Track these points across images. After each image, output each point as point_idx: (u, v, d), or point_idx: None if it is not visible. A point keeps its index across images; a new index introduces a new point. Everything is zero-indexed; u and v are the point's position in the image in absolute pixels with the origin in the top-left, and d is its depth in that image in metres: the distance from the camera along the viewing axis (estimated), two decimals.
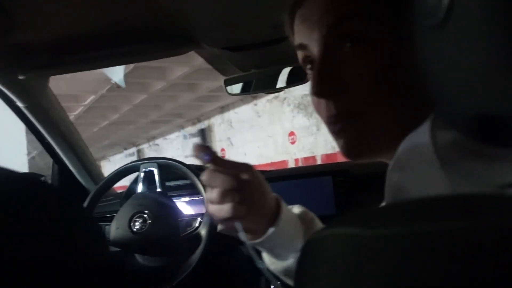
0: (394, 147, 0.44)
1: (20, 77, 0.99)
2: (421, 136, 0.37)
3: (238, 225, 0.58)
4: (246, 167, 0.61)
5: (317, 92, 0.48)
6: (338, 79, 0.47)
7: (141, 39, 0.94)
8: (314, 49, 0.49)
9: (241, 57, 1.10)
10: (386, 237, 0.22)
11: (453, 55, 0.26)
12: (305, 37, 0.50)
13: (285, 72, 1.20)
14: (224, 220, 0.58)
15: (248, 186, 0.59)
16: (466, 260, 0.19)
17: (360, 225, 0.24)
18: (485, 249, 0.19)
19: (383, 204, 0.64)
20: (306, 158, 6.60)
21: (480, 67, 0.24)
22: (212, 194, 0.57)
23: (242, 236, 0.58)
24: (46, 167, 1.54)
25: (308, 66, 0.53)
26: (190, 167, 1.23)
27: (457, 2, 0.25)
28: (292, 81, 1.20)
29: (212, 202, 0.58)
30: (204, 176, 0.58)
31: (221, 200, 0.57)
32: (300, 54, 0.53)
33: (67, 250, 0.41)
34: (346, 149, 0.50)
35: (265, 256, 0.68)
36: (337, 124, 0.49)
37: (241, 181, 0.58)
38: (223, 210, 0.57)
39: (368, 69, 0.46)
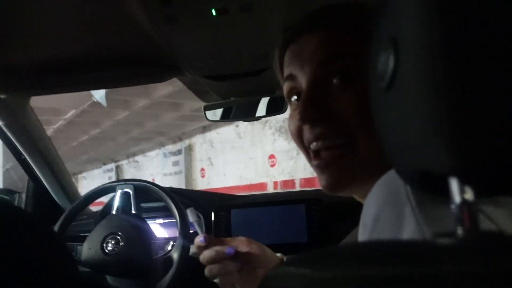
0: (371, 183, 0.48)
1: (1, 96, 1.00)
2: (395, 178, 0.39)
3: None
4: (242, 242, 0.77)
5: (303, 117, 0.51)
6: (325, 107, 0.51)
7: (124, 65, 0.97)
8: (303, 80, 0.53)
9: (222, 86, 1.14)
10: (332, 279, 0.24)
11: (397, 116, 0.30)
12: (296, 69, 0.54)
13: (264, 101, 1.24)
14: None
15: (249, 256, 0.75)
16: None
17: (311, 265, 0.26)
18: None
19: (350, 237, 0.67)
20: (285, 181, 6.61)
21: (416, 130, 0.28)
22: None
23: None
24: (20, 180, 1.53)
25: (294, 98, 0.57)
26: (165, 190, 1.24)
27: (400, 69, 0.29)
28: (271, 110, 1.24)
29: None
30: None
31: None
32: (287, 85, 0.57)
33: (34, 275, 0.42)
34: (330, 183, 0.52)
35: None
36: (322, 159, 0.52)
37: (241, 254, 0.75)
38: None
39: (353, 103, 0.50)
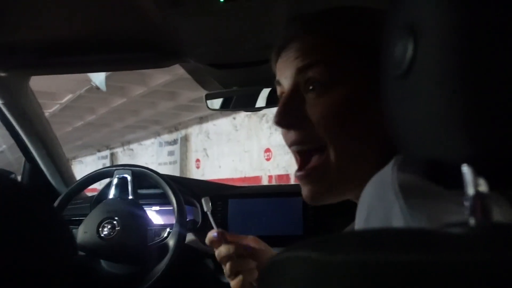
0: (358, 187, 0.48)
1: (1, 74, 0.99)
2: (384, 177, 0.40)
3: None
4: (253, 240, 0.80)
5: (278, 121, 0.55)
6: (299, 113, 0.53)
7: (127, 49, 0.96)
8: (285, 85, 0.56)
9: (224, 74, 1.13)
10: (341, 263, 0.24)
11: (413, 104, 0.29)
12: (281, 75, 0.57)
13: (265, 92, 1.24)
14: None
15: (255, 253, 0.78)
16: None
17: (320, 249, 0.25)
18: (429, 282, 0.21)
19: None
20: (280, 176, 6.61)
21: (433, 118, 0.28)
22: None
23: None
24: (15, 162, 1.52)
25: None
26: (163, 177, 1.24)
27: (419, 56, 0.28)
28: (271, 102, 1.23)
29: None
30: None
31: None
32: (278, 90, 0.60)
33: (34, 251, 0.42)
34: (308, 195, 0.55)
35: None
36: (301, 171, 0.55)
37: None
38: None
39: (324, 111, 0.52)
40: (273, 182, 6.65)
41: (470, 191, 0.27)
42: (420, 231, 0.28)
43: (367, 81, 0.50)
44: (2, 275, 0.38)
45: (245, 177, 7.21)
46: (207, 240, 0.80)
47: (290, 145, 0.56)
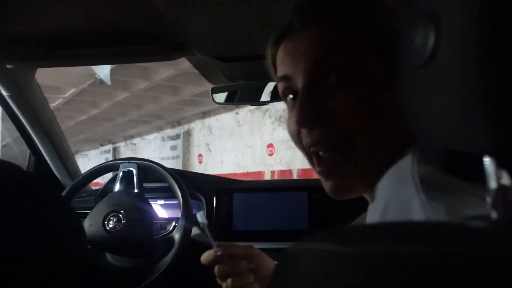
0: (370, 179, 0.46)
1: (8, 66, 0.99)
2: (403, 169, 0.39)
3: None
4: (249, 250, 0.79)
5: (301, 120, 0.48)
6: (322, 108, 0.48)
7: (134, 41, 0.96)
8: (299, 80, 0.50)
9: (230, 68, 1.13)
10: (361, 255, 0.23)
11: (433, 95, 0.29)
12: (290, 69, 0.51)
13: (270, 86, 1.23)
14: None
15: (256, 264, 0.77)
16: (432, 284, 0.20)
17: (338, 241, 0.25)
18: (450, 274, 0.21)
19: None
20: (282, 171, 6.62)
21: (455, 109, 0.27)
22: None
23: None
24: (21, 155, 1.52)
25: (290, 97, 0.54)
26: (169, 170, 1.23)
27: (441, 45, 0.28)
28: (276, 96, 1.23)
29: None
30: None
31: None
32: (281, 85, 0.54)
33: (44, 240, 0.41)
34: (334, 190, 0.51)
35: None
36: (325, 165, 0.50)
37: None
38: None
39: (353, 101, 0.47)
40: (276, 178, 6.65)
41: (492, 184, 0.26)
42: (440, 224, 0.28)
43: (384, 70, 0.47)
44: (13, 263, 0.38)
45: (247, 172, 7.22)
46: (204, 260, 0.77)
47: (312, 144, 0.50)
